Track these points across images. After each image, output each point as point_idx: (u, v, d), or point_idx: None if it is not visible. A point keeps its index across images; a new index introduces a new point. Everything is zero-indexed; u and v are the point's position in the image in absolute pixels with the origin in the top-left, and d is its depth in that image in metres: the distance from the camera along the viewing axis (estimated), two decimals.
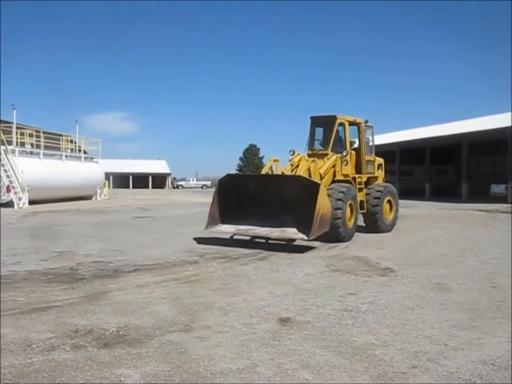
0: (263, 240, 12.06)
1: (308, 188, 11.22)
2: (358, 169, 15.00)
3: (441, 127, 46.33)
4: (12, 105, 30.62)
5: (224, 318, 5.97)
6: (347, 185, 13.43)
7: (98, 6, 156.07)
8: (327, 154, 13.86)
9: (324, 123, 14.98)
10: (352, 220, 13.33)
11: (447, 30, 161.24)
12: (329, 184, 13.30)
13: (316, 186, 11.22)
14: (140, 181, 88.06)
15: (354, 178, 14.49)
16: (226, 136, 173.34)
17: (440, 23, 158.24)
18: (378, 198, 14.81)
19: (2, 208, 25.11)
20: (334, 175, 13.86)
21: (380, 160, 16.34)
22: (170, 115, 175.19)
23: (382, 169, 16.42)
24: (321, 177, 12.96)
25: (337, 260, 10.10)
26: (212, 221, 12.32)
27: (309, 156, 14.23)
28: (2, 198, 26.52)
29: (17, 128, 29.99)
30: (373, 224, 14.96)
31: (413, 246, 12.54)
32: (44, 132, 32.37)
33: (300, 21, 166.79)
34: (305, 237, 10.81)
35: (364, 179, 15.13)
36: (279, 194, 11.88)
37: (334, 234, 12.28)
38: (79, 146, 37.52)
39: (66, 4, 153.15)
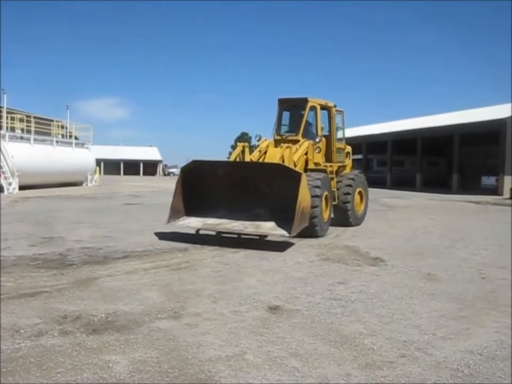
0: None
1: (288, 178, 10.11)
2: (328, 158, 13.80)
3: (434, 118, 46.50)
4: (3, 89, 30.39)
5: (214, 305, 5.96)
6: (323, 174, 12.43)
7: None
8: (297, 141, 12.58)
9: (293, 106, 13.83)
10: (327, 213, 12.32)
11: (445, 21, 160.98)
12: None
13: (298, 176, 10.02)
14: (131, 167, 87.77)
15: (326, 167, 13.34)
16: (219, 124, 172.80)
17: (438, 13, 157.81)
18: (350, 187, 13.75)
19: None
20: (306, 164, 12.67)
21: (348, 148, 15.21)
22: (163, 102, 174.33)
23: (350, 158, 15.28)
24: (295, 166, 11.64)
25: (328, 249, 10.11)
26: (174, 214, 10.90)
27: (276, 141, 13.08)
28: None
29: (7, 112, 29.72)
30: (343, 217, 13.76)
31: (403, 236, 12.57)
32: (34, 117, 32.15)
33: (296, 10, 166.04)
34: (286, 233, 9.67)
35: (335, 168, 13.96)
36: (252, 183, 10.72)
37: (309, 227, 10.82)
38: (70, 132, 37.35)
39: None
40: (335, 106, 14.14)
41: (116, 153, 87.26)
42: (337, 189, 13.61)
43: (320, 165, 13.07)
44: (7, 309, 5.60)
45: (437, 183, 41.41)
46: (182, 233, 11.36)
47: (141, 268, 7.92)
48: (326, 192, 12.03)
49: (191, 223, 10.88)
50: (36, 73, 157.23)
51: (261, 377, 3.96)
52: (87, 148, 38.52)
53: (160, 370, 4.05)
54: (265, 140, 12.99)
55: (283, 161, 11.43)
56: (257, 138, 13.09)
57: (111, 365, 4.12)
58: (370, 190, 15.86)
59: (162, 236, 11.19)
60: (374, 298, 6.44)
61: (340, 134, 14.51)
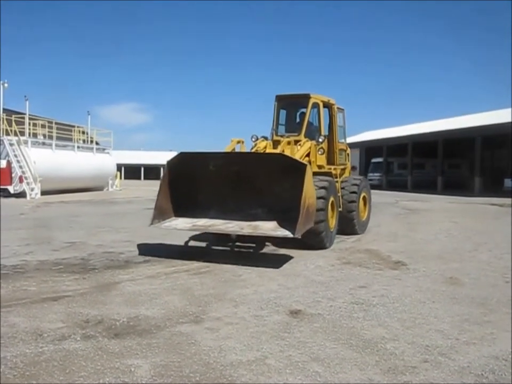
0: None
1: (291, 170, 8.83)
2: (330, 160, 12.55)
3: (455, 120, 46.05)
4: (25, 96, 30.82)
5: (235, 309, 5.96)
6: (329, 177, 11.21)
7: None
8: (297, 141, 11.23)
9: (293, 103, 12.67)
10: (334, 221, 11.06)
11: (448, 24, 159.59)
12: None
13: (302, 167, 8.68)
14: (152, 172, 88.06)
15: (330, 170, 12.11)
16: (239, 128, 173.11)
17: (441, 16, 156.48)
18: (355, 192, 12.58)
19: (14, 198, 25.37)
20: None
21: (348, 149, 14.09)
22: (182, 105, 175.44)
23: (349, 160, 14.10)
24: None
25: (349, 253, 10.05)
26: (159, 215, 9.53)
27: (275, 142, 11.65)
28: (15, 188, 26.73)
29: (29, 119, 30.14)
30: (348, 224, 12.45)
31: (425, 239, 12.44)
32: (56, 123, 32.51)
33: (308, 14, 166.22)
34: (290, 234, 8.32)
35: (338, 171, 12.73)
36: (248, 178, 9.50)
37: (314, 235, 9.84)
38: (91, 137, 37.71)
39: None
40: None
41: (136, 158, 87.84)
42: (342, 195, 12.33)
43: (324, 167, 11.92)
44: (30, 313, 5.67)
45: (458, 185, 40.93)
46: (203, 237, 11.28)
47: (162, 272, 7.95)
48: (332, 198, 10.84)
49: (178, 225, 9.51)
50: (57, 80, 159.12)
51: (282, 382, 3.94)
52: (108, 153, 38.87)
53: (182, 374, 4.06)
54: (263, 140, 11.78)
55: None
56: (253, 139, 11.78)
57: (133, 369, 4.13)
58: (392, 193, 15.74)
59: (181, 241, 11.18)
60: (396, 302, 6.38)
61: (341, 134, 13.40)
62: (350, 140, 55.88)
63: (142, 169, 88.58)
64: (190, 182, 9.74)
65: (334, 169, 12.42)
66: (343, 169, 13.39)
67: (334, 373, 4.13)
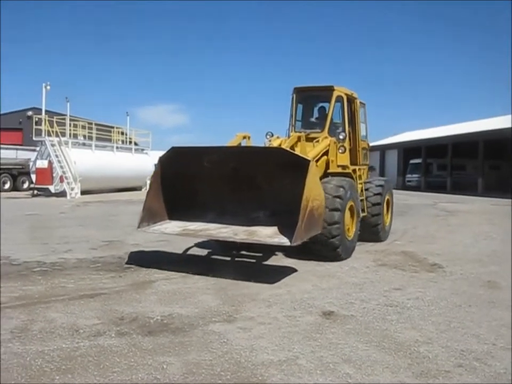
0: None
1: (293, 166, 7.66)
2: (353, 159, 11.33)
3: (495, 120, 44.99)
4: (66, 98, 31.54)
5: (268, 309, 5.97)
6: (348, 179, 9.91)
7: None
8: (313, 138, 10.33)
9: (312, 97, 11.69)
10: (353, 229, 9.83)
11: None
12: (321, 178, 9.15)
13: (305, 164, 7.53)
14: None
15: (354, 171, 10.92)
16: (279, 127, 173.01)
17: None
18: (380, 194, 11.52)
19: (55, 198, 26.02)
20: (327, 166, 10.07)
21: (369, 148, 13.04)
22: (220, 106, 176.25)
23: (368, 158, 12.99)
24: None
25: (384, 255, 9.95)
26: (148, 217, 8.51)
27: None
28: (55, 187, 27.41)
29: (70, 120, 30.79)
30: (372, 230, 11.43)
31: (463, 242, 12.21)
32: (96, 124, 33.10)
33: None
34: (287, 242, 7.20)
35: (362, 172, 11.57)
36: (247, 176, 8.53)
37: (327, 248, 8.97)
38: (129, 138, 38.25)
39: None
40: None
41: None
42: (366, 198, 11.25)
43: (348, 168, 10.66)
44: (67, 309, 5.81)
45: (500, 187, 39.92)
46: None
47: (196, 271, 8.01)
48: (351, 202, 9.56)
49: (167, 229, 8.57)
50: (96, 82, 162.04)
51: (313, 382, 3.94)
52: (146, 153, 39.31)
53: (213, 372, 4.10)
54: (278, 137, 10.64)
55: None
56: (268, 136, 10.75)
57: (165, 366, 4.20)
58: (430, 194, 15.48)
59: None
60: (431, 305, 6.29)
61: (363, 131, 12.26)
62: (388, 140, 54.86)
63: None
64: (185, 181, 8.75)
65: (359, 169, 11.36)
66: (365, 170, 12.29)
67: (365, 375, 4.10)
